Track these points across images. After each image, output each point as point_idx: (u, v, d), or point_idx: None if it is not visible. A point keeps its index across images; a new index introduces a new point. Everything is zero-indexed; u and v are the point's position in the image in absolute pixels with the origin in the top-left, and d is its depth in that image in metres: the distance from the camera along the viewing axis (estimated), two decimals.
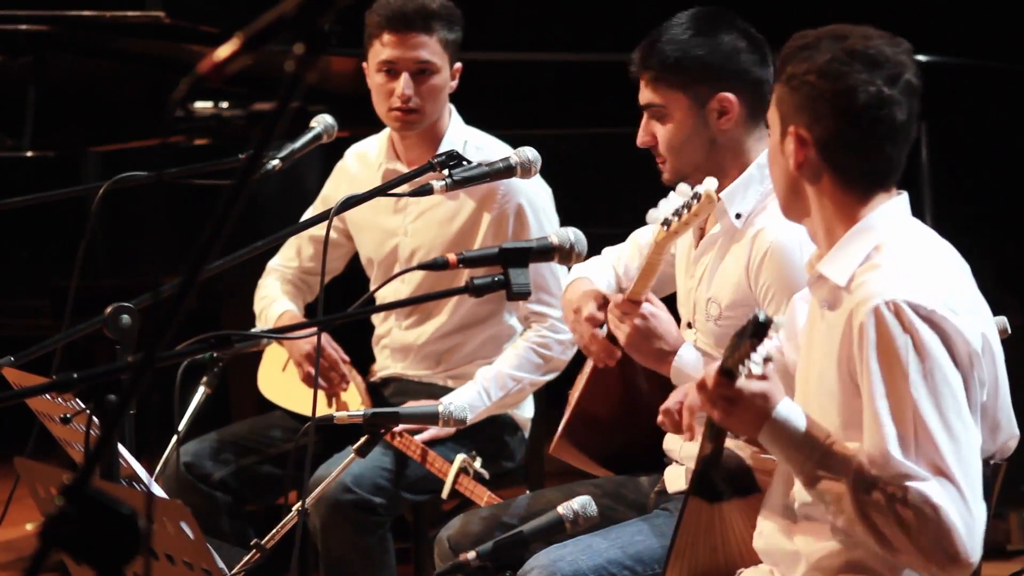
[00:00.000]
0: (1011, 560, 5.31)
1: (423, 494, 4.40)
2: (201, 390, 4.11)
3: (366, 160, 4.64)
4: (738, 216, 3.52)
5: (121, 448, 2.90)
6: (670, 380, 3.53)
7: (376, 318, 4.74)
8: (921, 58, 2.93)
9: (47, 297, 5.30)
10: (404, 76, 4.38)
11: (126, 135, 5.63)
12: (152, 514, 2.59)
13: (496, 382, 4.44)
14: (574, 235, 3.26)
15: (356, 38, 4.49)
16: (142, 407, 3.12)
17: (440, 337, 4.60)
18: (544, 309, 4.49)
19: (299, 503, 3.36)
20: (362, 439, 3.43)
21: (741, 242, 3.51)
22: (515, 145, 3.72)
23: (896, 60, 2.86)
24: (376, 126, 4.60)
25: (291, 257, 4.75)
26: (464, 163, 3.50)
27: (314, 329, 3.83)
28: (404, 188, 3.61)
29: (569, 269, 3.91)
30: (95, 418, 2.85)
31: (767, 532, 3.04)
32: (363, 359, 4.72)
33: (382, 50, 4.40)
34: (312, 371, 4.48)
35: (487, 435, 4.48)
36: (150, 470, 3.17)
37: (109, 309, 2.98)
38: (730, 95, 3.53)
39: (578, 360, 4.11)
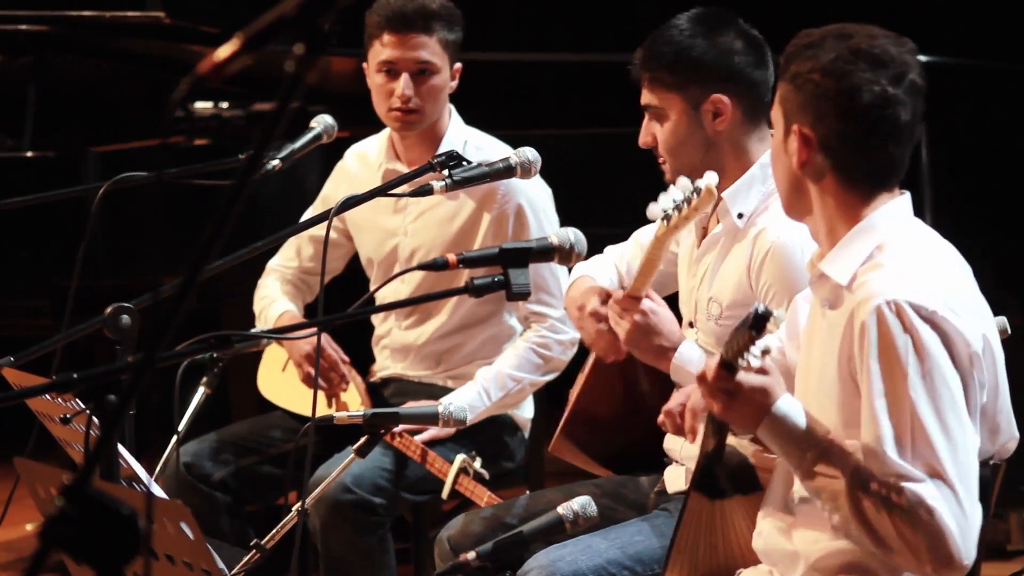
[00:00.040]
0: (1011, 560, 5.31)
1: (423, 494, 4.40)
2: (201, 390, 4.11)
3: (366, 160, 4.64)
4: (740, 216, 3.52)
5: (121, 448, 2.90)
6: (671, 380, 3.53)
7: (376, 318, 4.74)
8: (921, 58, 2.93)
9: (47, 297, 5.30)
10: (404, 76, 4.38)
11: (126, 135, 5.63)
12: (152, 514, 2.59)
13: (496, 382, 4.44)
14: (574, 235, 3.26)
15: (356, 38, 4.49)
16: (142, 407, 3.12)
17: (440, 337, 4.60)
18: (544, 309, 4.49)
19: (299, 503, 3.36)
20: (362, 439, 3.42)
21: (743, 242, 3.51)
22: (515, 145, 3.72)
23: (901, 60, 2.86)
24: (376, 126, 4.60)
25: (291, 257, 4.75)
26: (464, 163, 3.50)
27: (314, 329, 3.82)
28: (404, 188, 3.61)
29: (569, 270, 3.91)
30: (95, 418, 2.85)
31: (766, 532, 3.04)
32: (363, 359, 4.72)
33: (382, 50, 4.40)
34: (312, 371, 4.48)
35: (487, 435, 4.48)
36: (150, 470, 3.17)
37: (109, 309, 2.98)
38: (723, 96, 3.53)
39: (578, 360, 4.12)
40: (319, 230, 4.41)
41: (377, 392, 4.68)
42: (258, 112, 6.01)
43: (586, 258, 3.32)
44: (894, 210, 2.91)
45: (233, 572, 3.21)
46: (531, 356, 4.47)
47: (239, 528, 4.54)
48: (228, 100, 6.05)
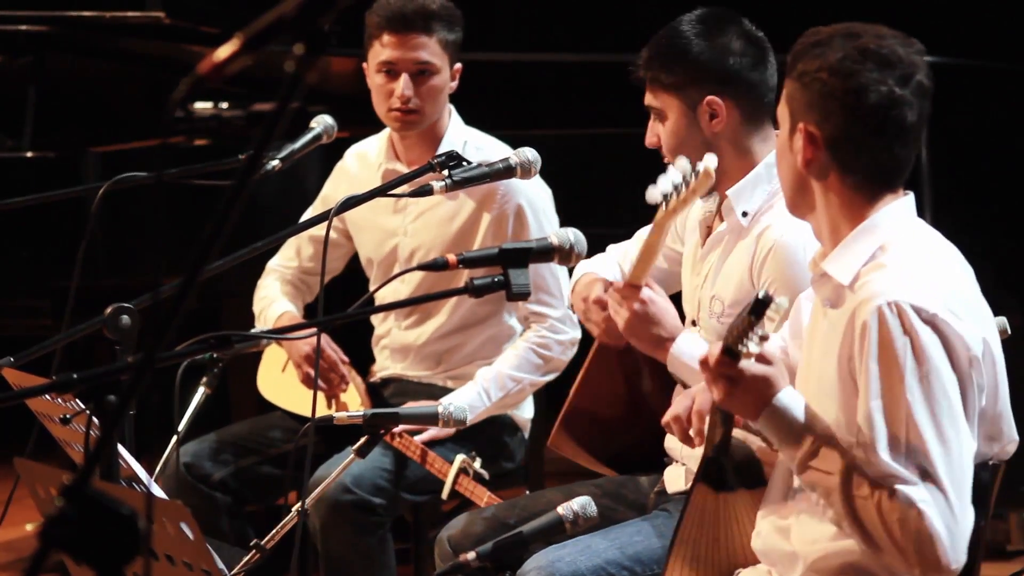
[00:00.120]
0: (1011, 560, 5.31)
1: (423, 495, 4.40)
2: (201, 390, 4.11)
3: (366, 160, 4.64)
4: (744, 214, 3.52)
5: (121, 448, 2.90)
6: (672, 378, 3.52)
7: (376, 318, 4.74)
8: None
9: (47, 297, 5.30)
10: (404, 77, 4.38)
11: (126, 135, 5.63)
12: (152, 514, 2.59)
13: (496, 383, 4.44)
14: (574, 235, 3.26)
15: (356, 38, 4.49)
16: (142, 407, 3.12)
17: (440, 337, 4.60)
18: (544, 309, 4.49)
19: (299, 503, 3.36)
20: (362, 440, 3.42)
21: (746, 240, 3.51)
22: (515, 145, 3.72)
23: (908, 60, 2.86)
24: (376, 126, 4.60)
25: (291, 257, 4.75)
26: (464, 163, 3.50)
27: (314, 330, 3.82)
28: (404, 188, 3.61)
29: (570, 270, 3.91)
30: (95, 418, 2.85)
31: (765, 532, 3.04)
32: (363, 360, 4.72)
33: (382, 51, 4.40)
34: (311, 372, 4.48)
35: (487, 436, 4.48)
36: (150, 470, 3.17)
37: (109, 309, 2.98)
38: (718, 98, 3.52)
39: (578, 360, 4.11)
40: (319, 230, 4.41)
41: (377, 392, 4.68)
42: (258, 112, 6.01)
43: (586, 258, 3.31)
44: (898, 210, 2.91)
45: (233, 572, 3.21)
46: (531, 356, 4.47)
47: (239, 528, 4.54)
48: (228, 100, 6.05)
